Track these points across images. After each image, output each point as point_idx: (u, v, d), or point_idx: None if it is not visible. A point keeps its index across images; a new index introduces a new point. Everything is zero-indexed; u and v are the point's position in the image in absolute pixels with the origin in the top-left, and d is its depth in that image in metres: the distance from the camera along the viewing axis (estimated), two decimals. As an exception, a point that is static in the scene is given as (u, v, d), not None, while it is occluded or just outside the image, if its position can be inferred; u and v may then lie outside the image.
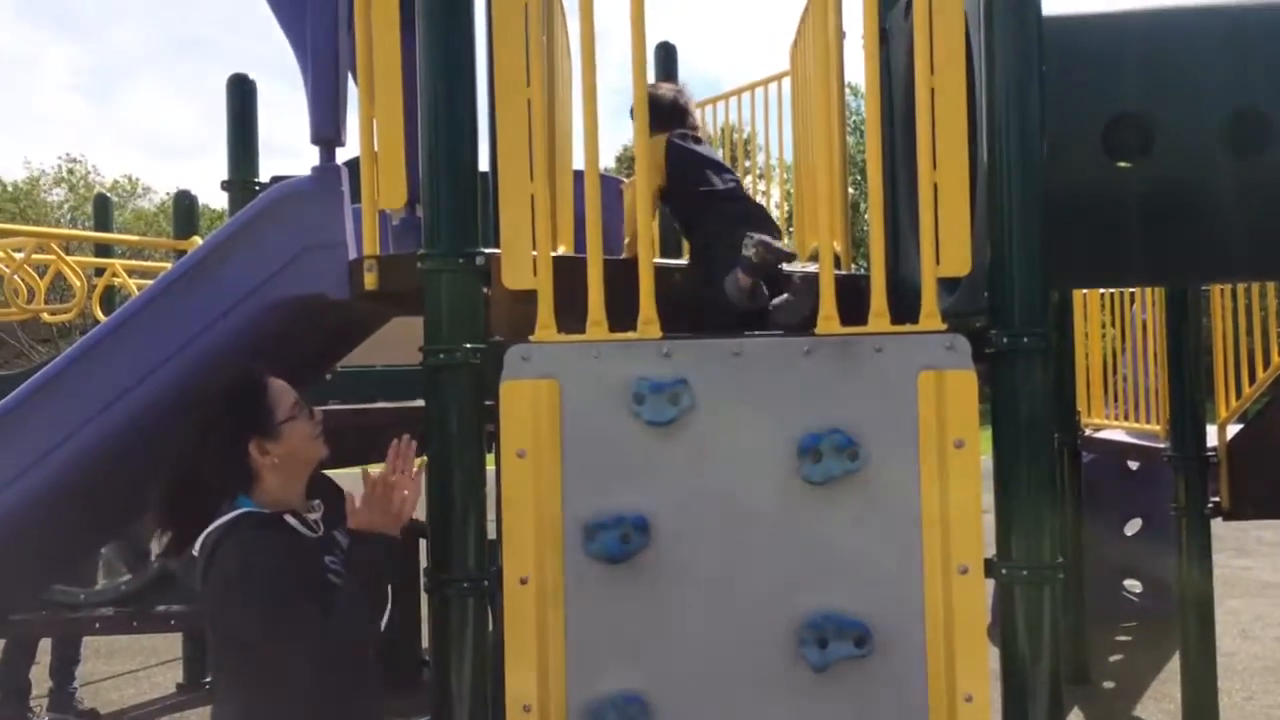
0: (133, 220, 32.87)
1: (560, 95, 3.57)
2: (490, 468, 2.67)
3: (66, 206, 35.34)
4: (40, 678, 6.14)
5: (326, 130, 2.92)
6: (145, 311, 2.93)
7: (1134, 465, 7.59)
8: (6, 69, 62.88)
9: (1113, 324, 6.79)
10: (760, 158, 6.66)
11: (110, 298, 7.76)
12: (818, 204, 3.54)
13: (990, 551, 2.53)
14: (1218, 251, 3.00)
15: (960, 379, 2.47)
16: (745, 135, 6.29)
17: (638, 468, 2.51)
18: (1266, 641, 7.24)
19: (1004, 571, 2.54)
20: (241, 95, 5.43)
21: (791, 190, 6.00)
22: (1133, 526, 7.96)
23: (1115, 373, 6.73)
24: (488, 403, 2.60)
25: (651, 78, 5.90)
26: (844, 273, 3.65)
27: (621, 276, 2.68)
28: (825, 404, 2.50)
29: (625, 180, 6.64)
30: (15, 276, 6.70)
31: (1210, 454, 5.15)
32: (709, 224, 3.33)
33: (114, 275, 7.48)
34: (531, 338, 2.55)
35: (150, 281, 7.57)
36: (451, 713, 2.58)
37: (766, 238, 3.05)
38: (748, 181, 6.42)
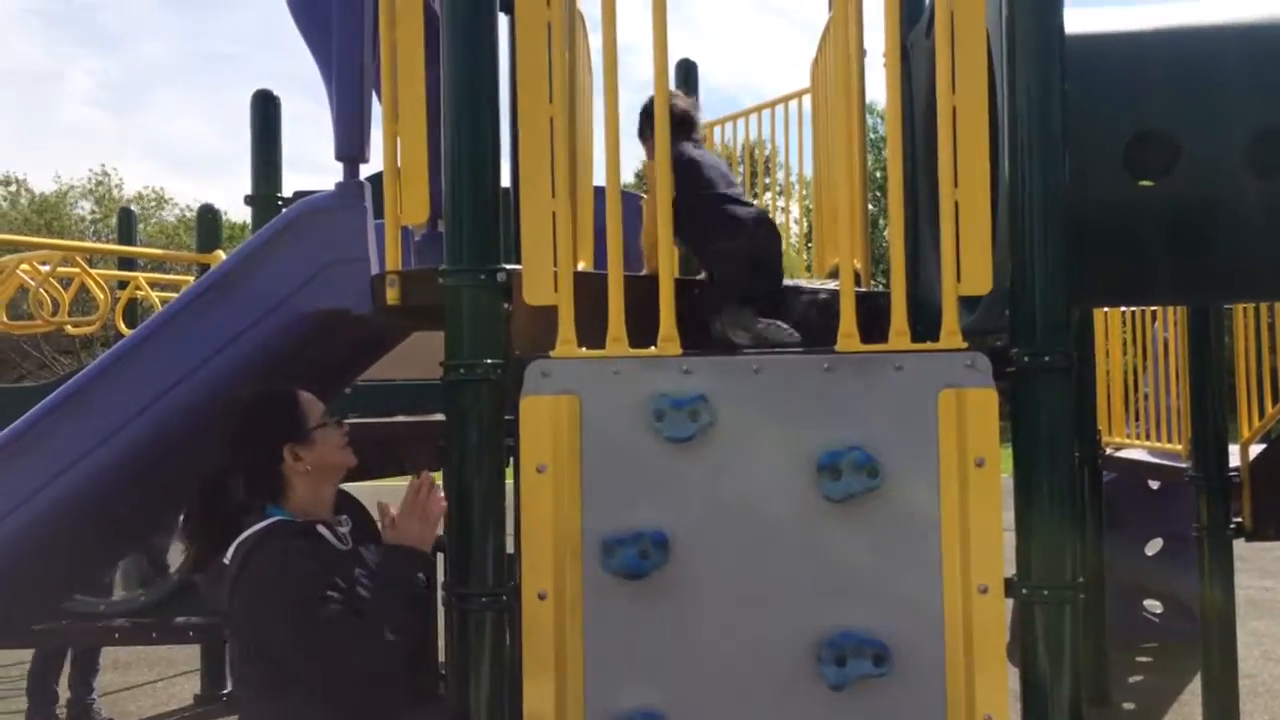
0: (155, 233, 33.15)
1: (581, 110, 3.59)
2: (509, 482, 2.68)
3: (90, 219, 35.66)
4: (59, 688, 6.18)
5: (351, 147, 2.95)
6: (170, 326, 2.95)
7: (1155, 485, 7.53)
8: (34, 83, 63.64)
9: (1134, 342, 6.76)
10: (780, 174, 6.67)
11: (133, 310, 7.83)
12: (837, 221, 3.54)
13: (1010, 571, 2.52)
14: (1240, 271, 2.98)
15: (981, 397, 2.46)
16: (766, 152, 6.30)
17: (657, 484, 2.52)
18: (1289, 664, 7.17)
19: (1024, 591, 2.53)
20: (266, 111, 5.48)
21: (811, 206, 6.01)
22: (1153, 546, 7.89)
23: (1136, 391, 6.69)
24: (507, 417, 2.61)
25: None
26: (864, 290, 3.65)
27: (642, 293, 2.69)
28: (845, 421, 2.50)
29: (645, 196, 6.66)
30: (41, 289, 6.76)
31: (1233, 474, 5.11)
32: (718, 241, 3.35)
33: (137, 288, 7.55)
34: (552, 353, 2.56)
35: (172, 294, 7.67)
36: (469, 727, 2.58)
37: (760, 325, 3.13)
38: (767, 198, 6.44)
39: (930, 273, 3.15)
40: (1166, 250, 2.87)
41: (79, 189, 36.83)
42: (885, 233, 2.63)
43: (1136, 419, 6.62)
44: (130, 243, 8.62)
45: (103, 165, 47.34)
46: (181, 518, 2.51)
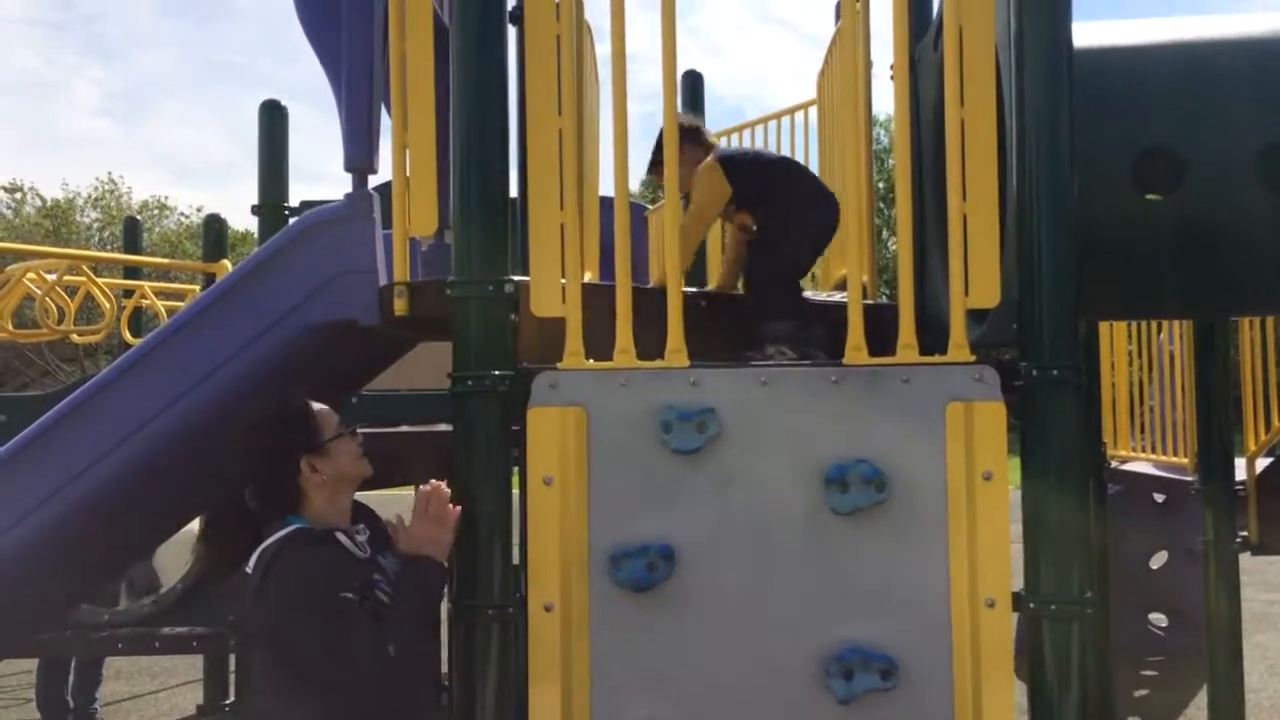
0: (159, 241, 33.20)
1: (588, 120, 3.60)
2: (515, 492, 2.68)
3: (96, 227, 35.74)
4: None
5: (360, 158, 2.95)
6: (178, 337, 2.96)
7: (1160, 498, 7.51)
8: (38, 93, 63.82)
9: (1139, 354, 6.75)
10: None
11: (138, 319, 7.83)
12: (845, 233, 3.55)
13: (1018, 584, 2.51)
14: (1248, 285, 2.98)
15: (989, 411, 2.46)
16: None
17: (664, 496, 2.52)
18: (1295, 678, 7.14)
19: (1032, 605, 2.52)
20: (273, 121, 5.49)
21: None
22: (1158, 560, 7.86)
23: (1142, 404, 6.68)
24: (514, 428, 2.61)
25: (679, 107, 5.93)
26: (871, 302, 3.65)
27: (649, 305, 2.69)
28: (853, 434, 2.50)
29: (650, 207, 6.67)
30: (46, 298, 6.77)
31: (1239, 488, 5.09)
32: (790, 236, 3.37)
33: (143, 297, 7.55)
34: (559, 365, 2.57)
35: (178, 303, 7.68)
36: (475, 739, 2.57)
37: (784, 346, 3.11)
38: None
39: (937, 285, 3.14)
40: (1174, 264, 2.87)
41: (84, 197, 36.95)
42: (890, 244, 2.64)
43: (1142, 432, 6.60)
44: (136, 251, 8.64)
45: (109, 173, 47.46)
46: (198, 529, 2.53)
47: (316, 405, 2.62)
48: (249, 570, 2.44)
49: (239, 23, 70.78)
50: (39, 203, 35.79)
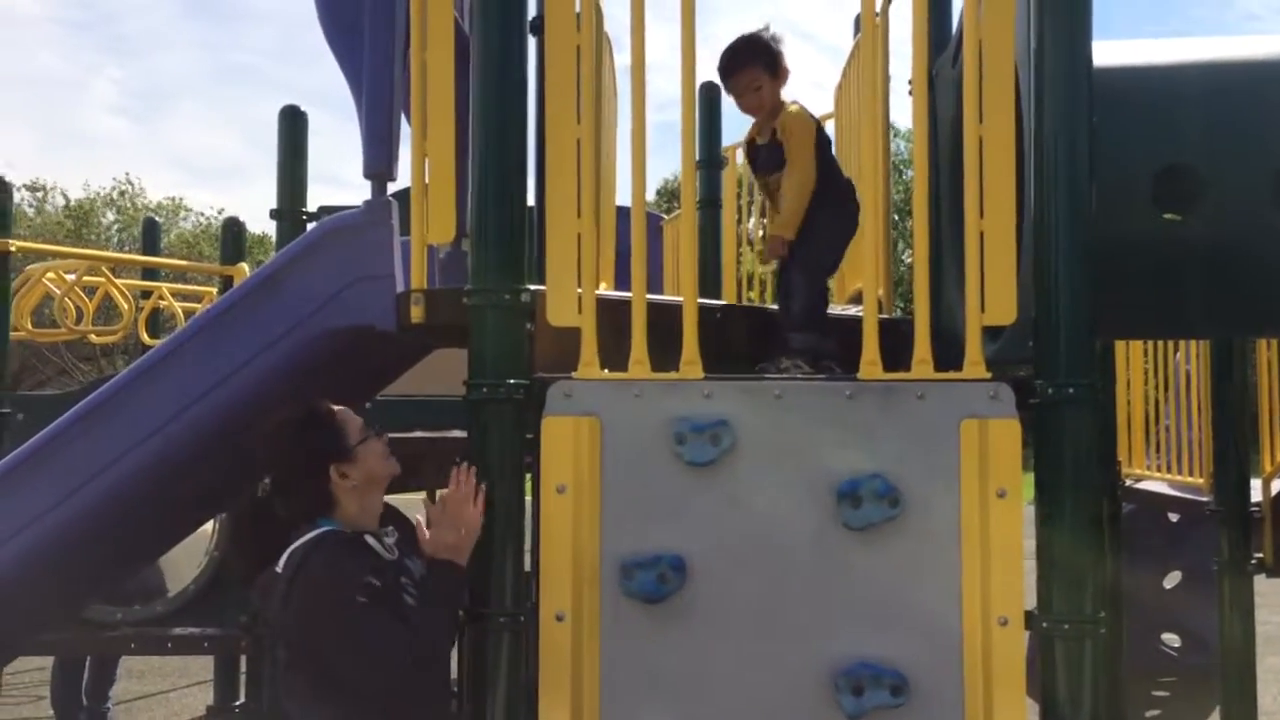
0: (175, 243, 33.38)
1: (605, 129, 3.60)
2: (528, 500, 2.68)
3: (115, 228, 35.95)
4: (73, 696, 6.20)
5: (379, 165, 2.97)
6: (197, 338, 2.98)
7: (1174, 517, 7.47)
8: (58, 91, 64.36)
9: (1155, 373, 6.72)
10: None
11: (156, 320, 7.88)
12: (861, 247, 3.54)
13: (1031, 603, 2.50)
14: (1266, 306, 2.97)
15: (1004, 428, 2.46)
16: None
17: (676, 507, 2.52)
18: (1308, 701, 7.08)
19: (1045, 624, 2.51)
20: (293, 126, 5.51)
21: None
22: (1172, 579, 7.81)
23: (1158, 423, 6.65)
24: (528, 436, 2.62)
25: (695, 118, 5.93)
26: (886, 317, 3.64)
27: (665, 316, 2.69)
28: (866, 449, 2.49)
29: (666, 217, 6.68)
30: (66, 298, 6.82)
31: (1254, 509, 5.06)
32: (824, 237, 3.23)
33: (160, 298, 7.60)
34: (574, 374, 2.57)
35: (195, 305, 7.72)
36: (485, 748, 2.57)
37: (799, 360, 3.01)
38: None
39: (953, 301, 3.14)
40: (1192, 284, 2.86)
41: (102, 197, 37.16)
42: (905, 257, 2.64)
43: (1157, 451, 6.57)
44: (155, 252, 8.69)
45: (126, 174, 47.73)
46: (212, 530, 2.56)
47: (339, 409, 2.63)
48: (278, 570, 2.46)
49: (258, 24, 71.28)
50: (61, 201, 36.04)
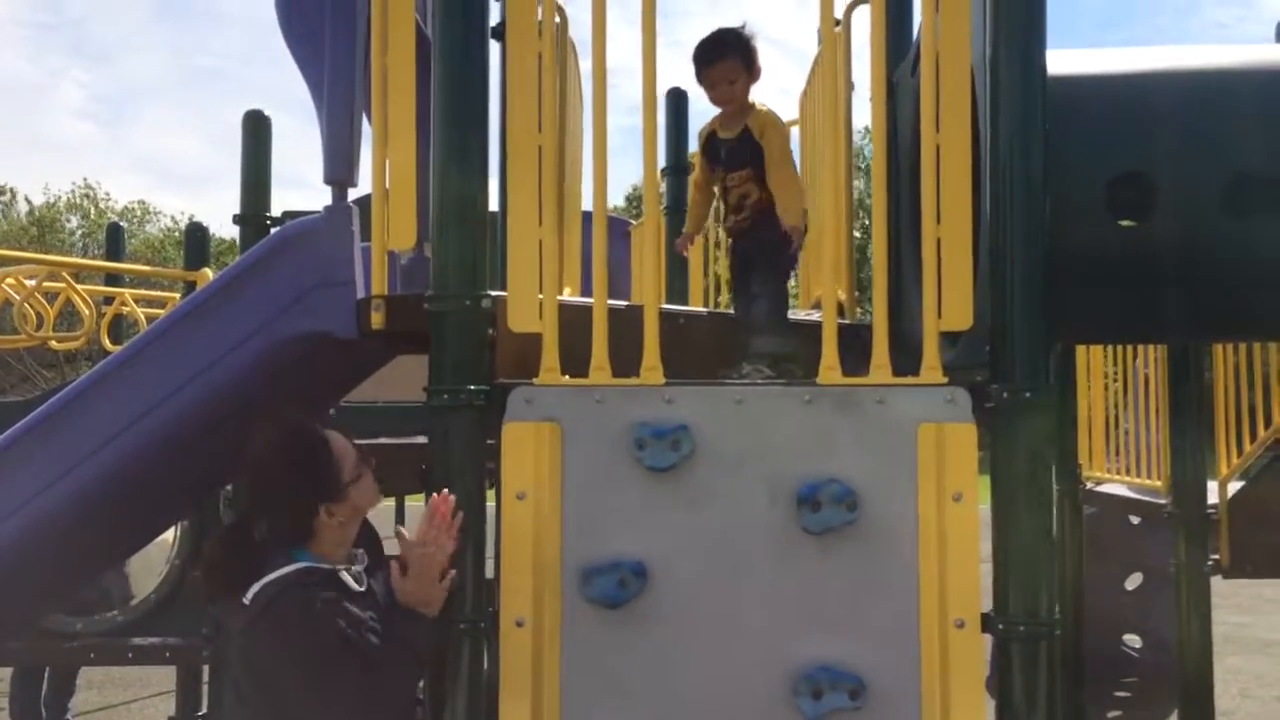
0: (140, 247, 33.02)
1: (570, 134, 3.61)
2: (490, 504, 2.68)
3: (80, 233, 35.53)
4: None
5: (340, 171, 2.96)
6: (153, 347, 2.95)
7: (1135, 520, 7.55)
8: (22, 95, 63.54)
9: (1115, 377, 6.80)
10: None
11: (118, 326, 7.80)
12: (822, 252, 3.57)
13: (988, 605, 2.53)
14: (1221, 310, 3.01)
15: (960, 432, 2.48)
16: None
17: (637, 513, 2.53)
18: (1265, 700, 7.19)
19: (1001, 626, 2.54)
20: (256, 131, 5.48)
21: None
22: (1133, 581, 7.90)
23: (1118, 426, 6.73)
24: (489, 442, 2.62)
25: (661, 123, 5.96)
26: (848, 322, 3.67)
27: (627, 321, 2.70)
28: (825, 454, 2.51)
29: (633, 223, 6.69)
30: (25, 304, 6.74)
31: (1211, 511, 5.13)
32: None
33: (123, 304, 7.52)
34: (535, 381, 2.57)
35: (158, 310, 7.64)
36: (446, 753, 2.56)
37: (760, 364, 3.04)
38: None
39: (913, 307, 3.17)
40: (1150, 289, 2.90)
41: (65, 202, 36.72)
42: (870, 259, 2.65)
43: (1117, 454, 6.65)
44: (118, 258, 8.59)
45: (85, 179, 47.15)
46: (172, 539, 2.52)
47: (334, 440, 2.55)
48: (246, 601, 2.38)
49: (225, 28, 70.69)
50: (25, 207, 35.57)
